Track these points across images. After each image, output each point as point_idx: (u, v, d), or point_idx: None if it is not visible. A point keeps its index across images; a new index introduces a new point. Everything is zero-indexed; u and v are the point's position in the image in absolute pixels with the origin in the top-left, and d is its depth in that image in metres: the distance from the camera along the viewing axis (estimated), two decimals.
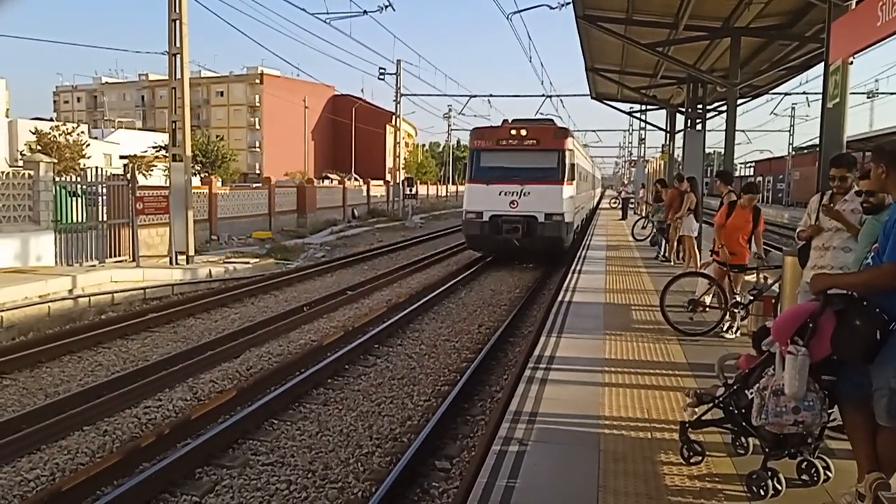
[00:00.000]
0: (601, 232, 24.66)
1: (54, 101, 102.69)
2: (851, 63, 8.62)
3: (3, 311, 11.18)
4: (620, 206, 36.48)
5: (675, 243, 15.26)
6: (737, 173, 58.38)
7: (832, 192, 5.69)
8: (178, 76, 17.40)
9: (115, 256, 16.93)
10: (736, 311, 8.37)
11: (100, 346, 10.46)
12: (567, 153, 18.81)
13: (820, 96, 9.25)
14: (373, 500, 5.34)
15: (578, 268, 14.48)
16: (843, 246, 5.50)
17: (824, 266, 5.52)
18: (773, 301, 8.16)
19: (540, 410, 5.62)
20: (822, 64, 9.60)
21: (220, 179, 34.05)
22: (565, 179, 18.53)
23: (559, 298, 10.84)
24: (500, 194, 18.39)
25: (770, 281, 8.36)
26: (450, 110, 66.34)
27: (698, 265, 12.48)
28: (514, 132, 18.90)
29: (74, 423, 7.04)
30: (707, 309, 8.92)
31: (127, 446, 6.53)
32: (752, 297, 8.31)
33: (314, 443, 6.80)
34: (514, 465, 4.54)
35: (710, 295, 8.87)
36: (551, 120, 20.90)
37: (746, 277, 8.87)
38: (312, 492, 5.76)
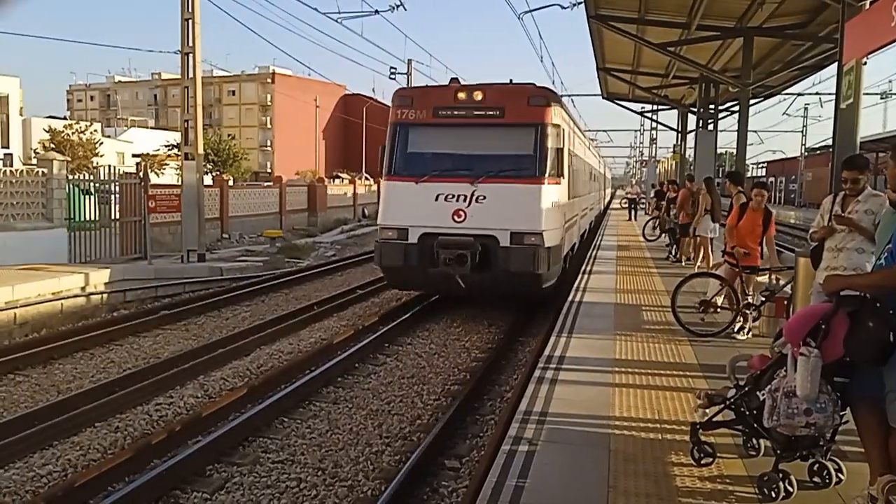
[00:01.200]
0: (611, 232, 24.59)
1: (68, 100, 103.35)
2: (865, 63, 8.59)
3: (16, 307, 11.28)
4: (627, 206, 36.32)
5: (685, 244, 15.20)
6: (749, 174, 58.05)
7: (845, 193, 5.65)
8: (191, 75, 17.48)
9: (127, 254, 17.03)
10: (748, 312, 8.32)
11: (112, 344, 10.54)
12: (552, 131, 11.60)
13: (833, 97, 9.21)
14: (382, 499, 5.35)
15: (589, 268, 14.44)
16: (857, 247, 5.46)
17: (837, 267, 5.48)
18: (786, 302, 8.12)
19: (550, 410, 5.61)
20: (835, 64, 9.57)
21: (231, 178, 34.20)
22: (548, 174, 11.44)
23: (570, 298, 10.82)
24: (437, 199, 11.26)
25: (782, 282, 8.32)
26: None
27: (710, 266, 12.43)
28: (462, 96, 11.69)
29: (86, 420, 7.10)
30: (719, 310, 8.88)
31: (138, 443, 6.57)
32: (763, 299, 8.27)
33: (324, 441, 6.82)
34: (523, 465, 4.54)
35: (722, 296, 8.83)
36: (532, 85, 12.31)
37: (759, 278, 8.82)
38: (322, 490, 5.78)
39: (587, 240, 20.98)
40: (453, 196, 11.24)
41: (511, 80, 12.34)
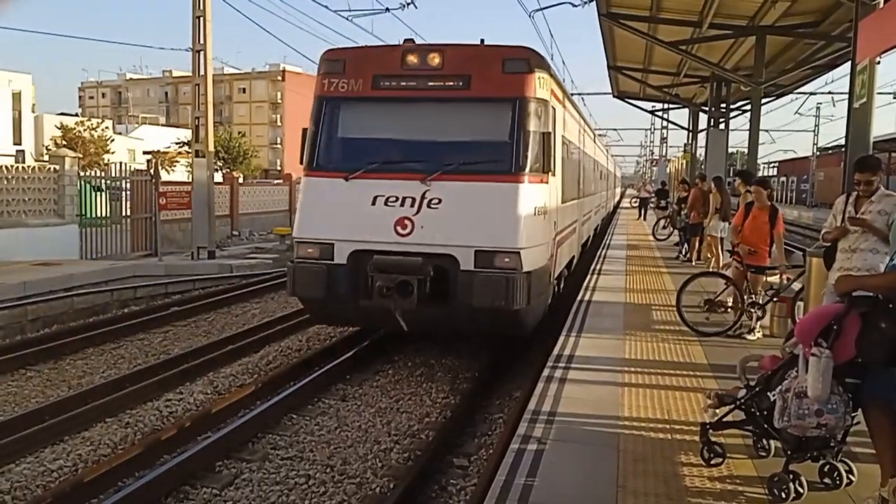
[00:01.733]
0: (621, 231, 24.51)
1: (79, 97, 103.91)
2: (879, 63, 8.52)
3: (28, 303, 11.35)
4: (638, 205, 36.16)
5: (697, 243, 15.13)
6: (760, 173, 57.82)
7: (857, 194, 5.60)
8: (202, 73, 17.54)
9: (138, 250, 17.11)
10: (752, 311, 8.27)
11: (122, 339, 10.59)
12: (536, 108, 8.40)
13: (846, 96, 9.14)
14: (391, 497, 5.35)
15: (598, 268, 14.39)
16: (871, 248, 5.42)
17: (851, 268, 5.44)
18: (793, 301, 8.08)
19: (559, 409, 5.59)
20: (848, 63, 9.50)
21: (241, 175, 34.31)
22: (530, 169, 8.21)
23: (579, 297, 10.80)
24: (374, 203, 8.11)
25: (791, 281, 8.26)
26: None
27: (720, 265, 12.36)
28: (413, 60, 8.48)
29: (97, 415, 7.15)
30: (728, 309, 8.83)
31: (148, 438, 6.61)
32: (769, 298, 8.22)
33: (333, 438, 6.83)
34: (532, 464, 4.53)
35: (730, 296, 8.78)
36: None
37: (769, 278, 8.76)
38: (331, 486, 5.79)
39: (594, 241, 20.45)
40: (396, 199, 8.09)
41: (483, 41, 8.91)
